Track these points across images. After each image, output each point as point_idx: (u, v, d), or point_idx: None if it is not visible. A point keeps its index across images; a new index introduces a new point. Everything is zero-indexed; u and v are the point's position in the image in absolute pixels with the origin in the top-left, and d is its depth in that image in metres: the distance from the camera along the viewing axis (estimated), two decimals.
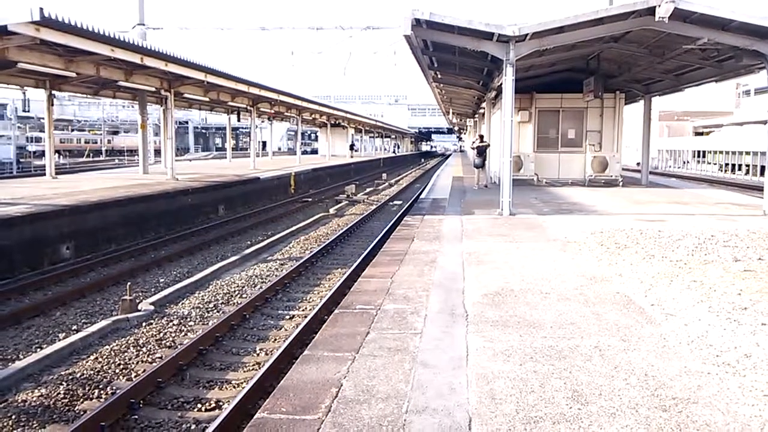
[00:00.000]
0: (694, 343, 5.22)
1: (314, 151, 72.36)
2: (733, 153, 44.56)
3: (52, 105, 20.68)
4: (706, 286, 7.09)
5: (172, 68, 18.03)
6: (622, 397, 4.10)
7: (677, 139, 61.76)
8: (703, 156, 50.85)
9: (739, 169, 42.97)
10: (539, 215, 13.53)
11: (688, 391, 4.20)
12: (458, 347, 5.08)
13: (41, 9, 11.58)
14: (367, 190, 31.39)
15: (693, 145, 55.17)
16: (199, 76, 19.98)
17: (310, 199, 26.26)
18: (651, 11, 12.46)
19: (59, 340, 8.10)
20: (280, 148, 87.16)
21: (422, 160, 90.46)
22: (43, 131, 26.19)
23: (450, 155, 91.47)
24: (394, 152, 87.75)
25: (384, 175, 42.00)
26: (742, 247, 9.63)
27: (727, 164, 45.38)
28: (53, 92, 20.25)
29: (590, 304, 6.37)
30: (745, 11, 12.87)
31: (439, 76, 22.45)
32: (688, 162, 53.67)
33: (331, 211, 22.04)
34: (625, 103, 23.27)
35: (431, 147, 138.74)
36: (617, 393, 4.16)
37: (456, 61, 18.66)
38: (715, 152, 48.23)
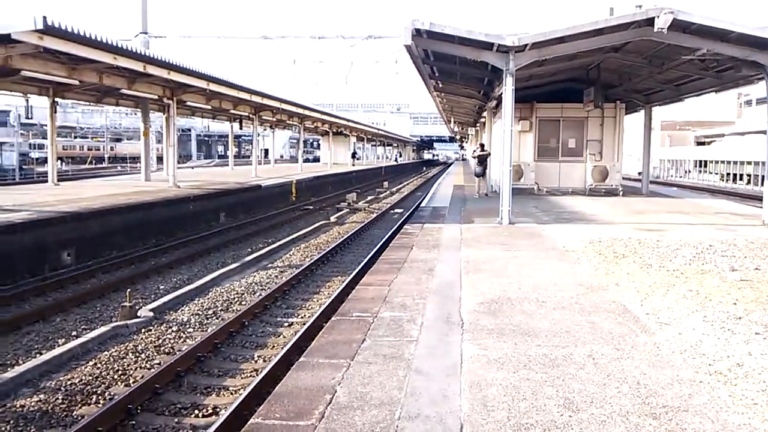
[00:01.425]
0: (687, 352, 5.25)
1: (316, 159, 72.50)
2: (735, 163, 44.59)
3: (55, 112, 20.84)
4: (702, 296, 7.12)
5: (175, 76, 18.15)
6: (614, 405, 4.14)
7: (679, 149, 61.82)
8: (705, 165, 50.89)
9: (741, 179, 42.99)
10: (538, 224, 13.57)
11: (679, 400, 4.24)
12: (453, 355, 5.12)
13: (44, 17, 11.69)
14: (369, 198, 31.45)
15: (694, 154, 55.21)
16: (202, 84, 20.10)
17: (311, 207, 26.32)
18: (650, 22, 12.53)
19: (59, 345, 8.14)
20: (282, 156, 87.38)
21: (424, 168, 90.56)
22: (46, 138, 26.28)
23: (452, 164, 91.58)
24: (396, 160, 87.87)
25: (385, 184, 42.07)
26: (740, 256, 9.65)
27: (728, 174, 45.41)
28: (56, 100, 20.39)
29: (586, 312, 6.41)
30: (743, 22, 12.96)
31: (441, 85, 22.55)
32: (689, 171, 53.70)
33: (332, 219, 22.08)
34: (626, 113, 23.31)
35: (433, 155, 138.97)
36: (609, 401, 4.20)
37: (457, 71, 18.74)
38: (717, 162, 48.26)
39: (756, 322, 6.04)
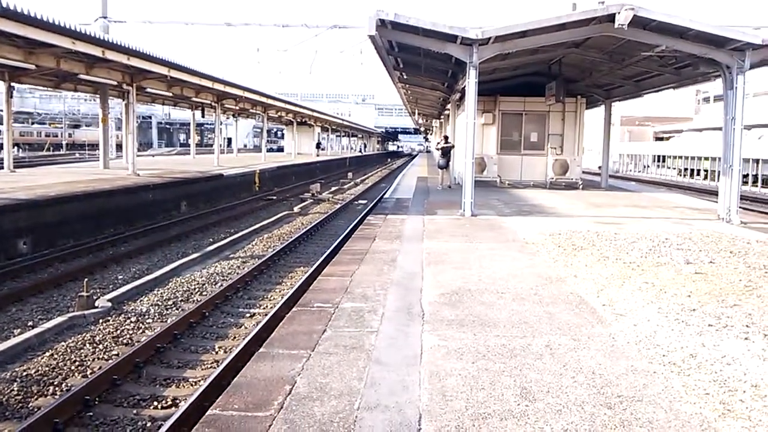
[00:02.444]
0: (642, 343, 5.36)
1: (280, 149, 72.00)
2: (692, 158, 45.57)
3: (11, 97, 20.29)
4: (657, 288, 7.27)
5: (135, 62, 17.82)
6: (569, 394, 4.21)
7: (638, 144, 62.92)
8: (663, 161, 51.89)
9: (698, 174, 43.96)
10: (500, 216, 13.71)
11: (634, 390, 4.33)
12: (413, 345, 5.15)
13: None
14: (333, 188, 31.38)
15: (653, 149, 56.25)
16: (162, 70, 19.78)
17: (274, 197, 26.17)
18: (611, 18, 12.70)
19: (14, 336, 7.96)
20: (245, 145, 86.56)
21: (389, 159, 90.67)
22: (2, 124, 25.58)
23: (416, 155, 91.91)
24: (360, 151, 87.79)
25: (350, 174, 42.03)
26: (695, 250, 9.88)
27: (686, 169, 46.39)
28: (12, 84, 19.84)
29: (544, 304, 6.50)
30: (702, 20, 13.24)
31: (405, 76, 22.56)
32: (648, 166, 54.70)
33: (296, 209, 22.00)
34: (587, 108, 23.66)
35: (398, 147, 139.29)
36: (565, 390, 4.27)
37: (421, 63, 18.77)
38: (675, 157, 49.26)
39: (709, 314, 6.20)
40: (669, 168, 50.00)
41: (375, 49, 15.07)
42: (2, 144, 24.08)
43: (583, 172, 24.67)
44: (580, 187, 21.87)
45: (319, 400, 4.04)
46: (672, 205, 17.56)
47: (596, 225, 12.50)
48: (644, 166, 55.63)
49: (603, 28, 13.31)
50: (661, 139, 64.53)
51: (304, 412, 3.86)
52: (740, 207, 14.61)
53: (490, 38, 13.08)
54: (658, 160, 52.93)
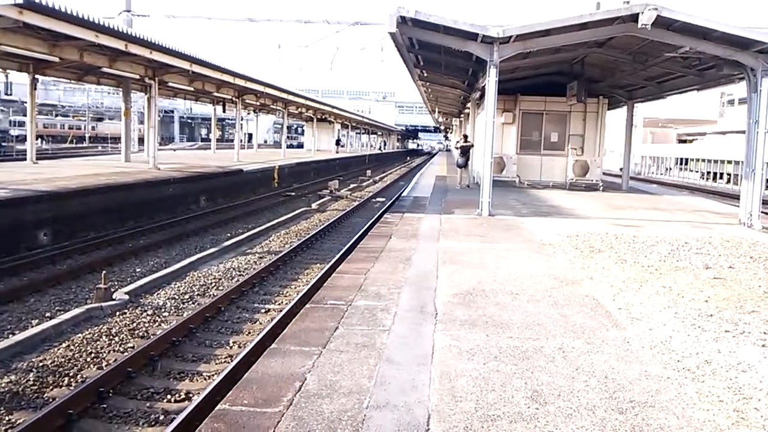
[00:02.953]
0: (657, 347, 5.31)
1: (300, 145, 72.20)
2: (716, 161, 45.00)
3: (35, 89, 20.52)
4: (675, 292, 7.19)
5: (157, 56, 17.95)
6: (581, 398, 4.18)
7: (661, 146, 62.23)
8: (686, 163, 51.29)
9: (721, 178, 43.41)
10: (517, 216, 13.64)
11: (646, 395, 4.29)
12: (424, 345, 5.14)
13: None
14: (351, 186, 31.40)
15: (676, 152, 55.61)
16: (184, 65, 19.90)
17: (293, 194, 26.23)
18: (634, 18, 12.57)
19: (32, 326, 8.06)
20: (266, 141, 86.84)
21: (408, 158, 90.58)
22: (26, 115, 25.90)
23: (436, 154, 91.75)
24: (380, 149, 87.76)
25: (369, 172, 42.02)
26: (715, 254, 9.76)
27: (709, 172, 45.82)
28: (36, 76, 20.07)
29: (558, 306, 6.46)
30: (726, 21, 13.06)
31: (425, 74, 22.51)
32: (670, 169, 54.11)
33: (314, 206, 22.04)
34: (609, 109, 23.45)
35: (417, 145, 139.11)
36: (576, 394, 4.24)
37: (442, 60, 18.72)
38: (698, 160, 48.66)
39: (726, 320, 6.12)
40: (692, 171, 49.42)
41: (395, 47, 15.05)
42: (26, 135, 24.37)
43: (604, 174, 24.47)
44: (601, 188, 21.68)
45: (328, 398, 4.04)
46: (693, 209, 17.36)
47: (615, 227, 12.38)
48: (666, 169, 55.04)
49: (626, 28, 13.17)
50: (685, 141, 63.78)
51: (312, 410, 3.87)
52: (762, 212, 14.40)
53: (511, 37, 13.01)
54: (681, 163, 52.33)
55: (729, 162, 42.02)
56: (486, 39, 13.07)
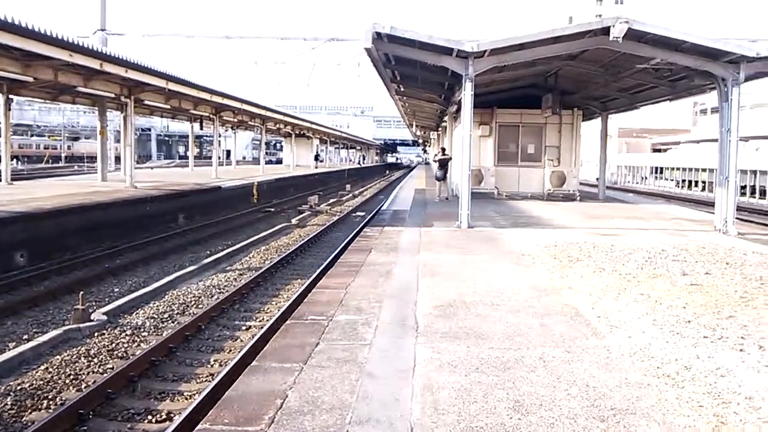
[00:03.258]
0: (637, 355, 5.35)
1: (279, 161, 72.05)
2: (690, 170, 45.64)
3: (9, 110, 20.33)
4: (653, 299, 7.26)
5: (132, 75, 17.87)
6: (562, 407, 4.20)
7: (636, 156, 63.01)
8: (661, 172, 51.96)
9: (696, 186, 44.01)
10: (496, 228, 13.71)
11: (627, 402, 4.31)
12: (406, 358, 5.14)
13: None
14: (331, 201, 31.39)
15: (651, 161, 56.34)
16: (160, 83, 19.83)
17: (272, 210, 26.16)
18: (606, 31, 12.75)
19: (9, 349, 7.94)
20: (244, 157, 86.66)
21: (387, 171, 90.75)
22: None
23: (415, 167, 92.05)
24: (359, 163, 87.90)
25: (348, 186, 42.04)
26: (691, 261, 9.87)
27: (684, 180, 46.45)
28: (10, 96, 19.90)
29: (539, 316, 6.49)
30: (697, 33, 13.30)
31: (402, 89, 22.63)
32: (646, 178, 54.78)
33: (293, 221, 22.00)
34: (583, 120, 23.74)
35: (396, 159, 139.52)
36: (558, 403, 4.26)
37: (418, 75, 18.84)
38: (673, 169, 49.32)
39: (705, 326, 6.19)
40: (667, 179, 50.06)
41: (372, 62, 15.13)
42: (0, 157, 24.07)
43: (581, 184, 24.70)
44: (578, 198, 21.87)
45: (310, 414, 4.02)
46: (669, 217, 17.57)
47: (593, 236, 12.49)
48: (642, 178, 55.71)
49: (598, 41, 13.35)
50: (659, 150, 64.67)
51: (295, 427, 3.84)
52: (738, 218, 14.63)
53: (485, 51, 13.13)
54: (656, 172, 53.00)
55: (703, 170, 42.63)
56: (461, 53, 13.19)
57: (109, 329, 8.94)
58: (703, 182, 42.56)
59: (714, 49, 13.19)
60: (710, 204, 26.73)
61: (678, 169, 48.05)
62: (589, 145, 36.12)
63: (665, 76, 16.42)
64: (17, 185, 21.38)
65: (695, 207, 26.31)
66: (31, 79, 16.82)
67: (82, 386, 6.96)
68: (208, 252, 15.50)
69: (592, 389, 4.53)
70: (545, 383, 4.62)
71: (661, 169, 52.01)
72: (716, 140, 14.57)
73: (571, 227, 14.17)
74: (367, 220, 21.38)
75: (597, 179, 27.67)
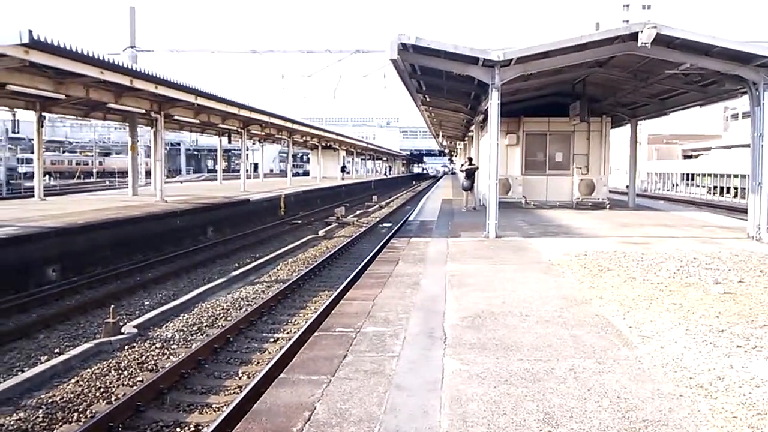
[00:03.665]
0: (669, 365, 5.25)
1: (306, 173, 72.50)
2: (722, 176, 44.93)
3: (42, 126, 20.74)
4: (685, 309, 7.14)
5: (162, 90, 18.14)
6: (593, 419, 4.13)
7: (666, 162, 62.24)
8: (692, 179, 51.23)
9: (728, 192, 43.30)
10: (525, 237, 13.60)
11: (659, 414, 4.23)
12: (434, 370, 5.10)
13: (30, 31, 11.64)
14: (357, 212, 31.42)
15: (682, 167, 55.60)
16: (189, 98, 20.09)
17: (299, 222, 26.27)
18: (634, 37, 12.63)
19: (41, 363, 8.06)
20: (271, 170, 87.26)
21: (413, 182, 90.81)
22: (33, 153, 26.13)
23: (441, 177, 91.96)
24: (385, 174, 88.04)
25: (375, 197, 42.08)
26: (724, 269, 9.70)
27: (715, 187, 45.73)
28: (43, 114, 20.31)
29: (568, 326, 6.41)
30: (726, 37, 13.09)
31: (428, 99, 22.65)
32: (677, 185, 54.03)
33: (320, 233, 22.05)
34: (612, 127, 23.48)
35: (423, 169, 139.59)
36: (588, 415, 4.19)
37: (444, 85, 18.83)
38: (704, 175, 48.60)
39: (738, 335, 6.06)
40: (698, 186, 49.32)
41: (397, 73, 15.16)
42: (34, 172, 24.58)
43: (611, 192, 24.42)
44: (607, 206, 21.62)
45: (338, 427, 4.01)
46: (700, 224, 17.28)
47: (623, 245, 12.33)
48: (673, 185, 54.96)
49: (626, 47, 13.22)
50: (690, 156, 63.78)
51: None
52: None
53: (511, 59, 13.08)
54: (687, 179, 52.26)
55: (735, 176, 41.95)
56: (487, 63, 13.15)
57: (139, 342, 9.03)
58: (735, 188, 41.86)
59: (744, 53, 12.98)
60: (743, 211, 26.27)
61: (709, 175, 47.32)
62: (619, 153, 35.74)
63: (695, 81, 16.18)
64: (50, 201, 21.79)
65: (727, 214, 25.88)
66: (63, 97, 17.15)
67: (112, 399, 7.02)
68: (237, 264, 15.60)
69: (624, 401, 4.45)
70: (576, 395, 4.55)
71: (692, 175, 51.27)
72: (748, 145, 14.32)
73: (601, 236, 13.99)
74: (394, 231, 21.34)
75: (627, 187, 27.36)
